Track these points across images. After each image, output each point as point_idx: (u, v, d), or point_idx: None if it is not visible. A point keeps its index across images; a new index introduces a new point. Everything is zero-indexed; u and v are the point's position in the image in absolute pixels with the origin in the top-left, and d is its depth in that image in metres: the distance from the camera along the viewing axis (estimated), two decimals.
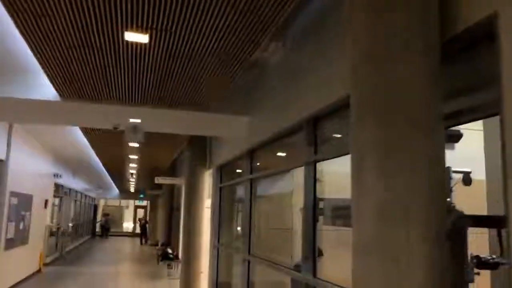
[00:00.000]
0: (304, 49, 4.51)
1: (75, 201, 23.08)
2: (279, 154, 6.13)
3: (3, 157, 9.21)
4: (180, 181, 15.99)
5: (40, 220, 13.14)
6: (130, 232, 36.89)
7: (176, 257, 13.39)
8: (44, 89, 6.10)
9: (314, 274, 4.26)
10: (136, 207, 37.63)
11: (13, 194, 9.85)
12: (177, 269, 13.22)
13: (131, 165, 16.25)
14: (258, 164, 6.74)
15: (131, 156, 13.52)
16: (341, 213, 4.74)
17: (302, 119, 4.50)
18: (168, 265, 13.45)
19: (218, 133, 8.47)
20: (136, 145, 11.20)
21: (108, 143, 11.26)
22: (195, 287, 9.88)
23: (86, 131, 9.74)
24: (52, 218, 16.51)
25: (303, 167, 5.17)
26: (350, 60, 2.61)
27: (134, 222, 37.15)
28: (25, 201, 10.99)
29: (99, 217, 35.15)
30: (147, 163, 15.48)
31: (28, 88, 6.10)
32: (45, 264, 14.15)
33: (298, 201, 7.17)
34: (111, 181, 26.34)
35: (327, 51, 3.96)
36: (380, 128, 2.29)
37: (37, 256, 13.02)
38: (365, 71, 2.43)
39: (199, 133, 9.36)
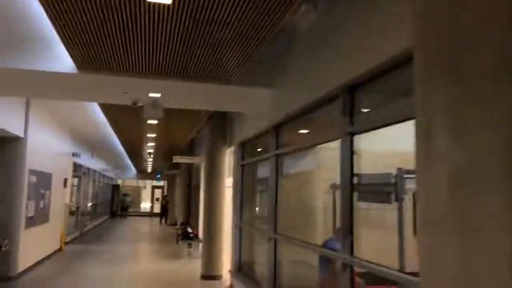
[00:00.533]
0: (339, 9, 4.13)
1: (94, 181, 23.13)
2: (308, 127, 5.80)
3: (21, 134, 9.05)
4: (198, 160, 15.80)
5: (60, 199, 13.09)
6: (148, 212, 37.15)
7: (196, 236, 13.26)
8: (62, 61, 5.83)
9: (351, 252, 3.97)
10: (154, 187, 37.77)
11: (32, 172, 9.73)
12: (197, 249, 13.11)
13: (149, 144, 16.08)
14: (284, 139, 6.43)
15: (149, 135, 13.31)
16: (375, 189, 4.43)
17: (338, 87, 4.15)
18: (188, 244, 13.34)
19: (241, 108, 8.16)
20: (154, 122, 10.96)
21: (126, 121, 11.04)
22: (217, 266, 9.71)
23: (105, 108, 9.51)
24: (71, 197, 16.52)
25: (330, 142, 4.88)
26: (412, 10, 2.26)
27: (152, 202, 37.36)
28: (44, 179, 10.88)
29: (118, 197, 35.34)
30: (165, 141, 15.29)
31: (46, 60, 5.84)
32: (66, 243, 14.17)
33: (324, 177, 6.87)
34: (129, 161, 26.35)
35: (369, 10, 3.59)
36: (454, 86, 1.95)
37: (57, 234, 13.01)
38: (435, 20, 2.07)
39: (221, 108, 9.05)
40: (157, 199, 36.94)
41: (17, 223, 9.00)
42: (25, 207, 9.36)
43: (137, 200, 40.56)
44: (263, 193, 8.42)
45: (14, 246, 8.77)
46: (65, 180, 13.65)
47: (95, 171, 22.64)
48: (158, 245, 16.37)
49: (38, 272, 9.87)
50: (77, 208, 17.90)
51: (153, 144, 16.15)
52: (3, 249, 7.58)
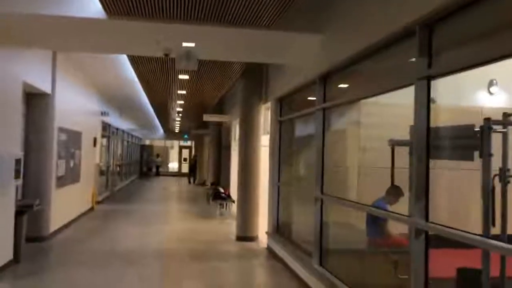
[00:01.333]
0: None
1: (122, 140, 23.02)
2: (364, 76, 5.15)
3: (48, 90, 8.66)
4: (228, 118, 15.33)
5: (90, 158, 12.87)
6: (176, 172, 37.33)
7: (228, 196, 12.93)
8: (89, 4, 5.28)
9: (427, 218, 3.42)
10: (181, 147, 37.73)
11: (61, 130, 9.40)
12: (229, 209, 12.81)
13: (178, 102, 15.59)
14: (333, 90, 5.80)
15: (179, 91, 12.78)
16: (453, 144, 3.81)
17: (412, 23, 3.48)
18: (220, 204, 13.04)
19: (282, 58, 7.50)
20: (185, 77, 10.42)
21: (156, 77, 10.52)
22: (253, 228, 9.35)
23: (134, 63, 8.98)
24: (101, 157, 16.38)
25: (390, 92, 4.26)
26: None
27: (180, 162, 37.44)
28: (74, 138, 10.58)
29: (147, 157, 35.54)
30: (194, 99, 14.77)
31: (71, 4, 5.30)
32: (97, 202, 14.08)
33: (371, 134, 6.26)
34: (157, 121, 26.08)
35: None
36: None
37: (89, 194, 12.87)
38: None
39: (259, 60, 8.40)
40: (185, 159, 37.00)
41: (48, 183, 8.75)
42: (56, 166, 9.09)
43: (165, 160, 40.78)
44: (303, 151, 7.89)
45: (45, 206, 8.55)
46: (95, 139, 13.39)
47: (123, 131, 22.48)
48: (189, 204, 16.19)
49: (70, 232, 9.71)
50: (107, 168, 17.81)
51: (182, 102, 15.67)
52: (35, 209, 7.32)
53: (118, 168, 21.23)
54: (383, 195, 5.32)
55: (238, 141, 9.75)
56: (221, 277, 6.84)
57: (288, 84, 7.51)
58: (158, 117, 22.53)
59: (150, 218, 12.75)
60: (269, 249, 8.32)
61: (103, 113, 14.06)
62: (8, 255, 6.66)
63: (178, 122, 25.70)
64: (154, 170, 35.81)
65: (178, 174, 36.23)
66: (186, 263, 7.36)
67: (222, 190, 13.10)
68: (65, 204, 9.94)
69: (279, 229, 8.23)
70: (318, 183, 5.85)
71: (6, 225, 6.62)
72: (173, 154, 41.72)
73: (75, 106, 10.85)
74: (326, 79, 5.84)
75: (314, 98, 6.08)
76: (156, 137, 37.46)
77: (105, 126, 16.77)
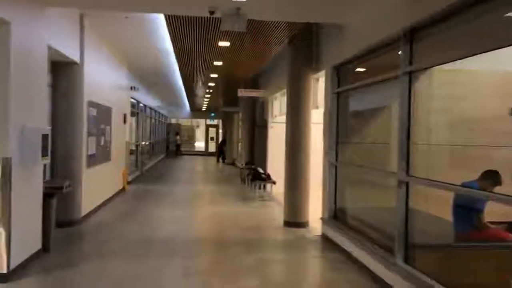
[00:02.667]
0: None
1: (150, 118, 22.26)
2: (472, 27, 4.03)
3: (76, 58, 7.76)
4: (266, 94, 14.30)
5: (120, 136, 12.06)
6: (202, 151, 36.64)
7: (269, 177, 11.98)
8: None
9: None
10: (208, 126, 36.91)
11: (91, 104, 8.53)
12: (270, 191, 11.87)
13: (212, 75, 14.57)
14: (426, 50, 4.70)
15: (216, 62, 11.74)
16: None
17: None
18: (260, 186, 12.12)
19: (345, 16, 6.39)
20: (226, 44, 9.36)
21: (193, 43, 9.50)
22: (303, 212, 8.39)
23: (171, 25, 7.97)
24: (130, 135, 15.63)
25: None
26: None
27: (206, 141, 36.68)
28: (104, 113, 9.73)
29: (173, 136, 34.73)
30: (230, 72, 13.74)
31: None
32: (128, 183, 13.34)
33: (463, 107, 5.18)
34: (185, 98, 25.22)
35: None
36: None
37: (120, 174, 12.09)
38: None
39: (318, 19, 7.31)
40: (212, 138, 36.20)
41: (78, 162, 7.94)
42: (86, 144, 8.25)
43: (192, 140, 40.16)
44: (366, 126, 6.83)
45: (76, 187, 7.75)
46: (125, 116, 12.56)
47: (151, 108, 21.69)
48: (223, 185, 15.32)
49: (102, 215, 8.94)
50: (136, 146, 17.07)
51: (215, 76, 14.65)
52: (65, 191, 6.49)
53: (147, 147, 20.53)
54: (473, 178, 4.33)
55: (286, 116, 8.71)
56: (279, 271, 5.91)
57: (350, 49, 6.42)
58: (187, 93, 21.63)
59: (184, 200, 11.93)
60: (324, 237, 7.36)
61: (133, 88, 13.18)
62: (37, 244, 5.85)
63: (207, 99, 24.81)
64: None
65: (205, 153, 35.51)
66: (234, 253, 6.45)
67: (261, 171, 12.13)
68: (96, 185, 9.15)
69: (337, 215, 7.24)
70: (402, 163, 4.80)
71: (33, 210, 5.80)
72: (200, 133, 41.05)
73: (104, 78, 9.97)
74: (413, 35, 4.74)
75: (383, 64, 4.97)
76: (182, 116, 36.70)
77: (134, 103, 15.97)
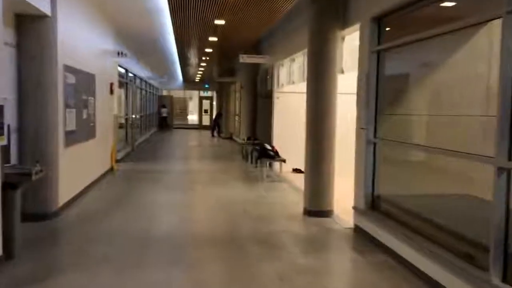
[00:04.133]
0: None
1: (141, 90, 20.59)
2: None
3: (47, 10, 6.15)
4: (271, 60, 12.75)
5: (107, 108, 10.50)
6: (196, 125, 35.06)
7: (277, 154, 10.54)
8: None
9: None
10: (201, 98, 35.19)
11: (68, 69, 6.97)
12: (280, 170, 10.47)
13: (211, 38, 12.88)
14: None
15: (217, 21, 10.09)
16: None
17: None
18: (267, 164, 10.72)
19: None
20: None
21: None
22: (327, 199, 7.00)
23: None
24: (119, 108, 14.06)
25: None
26: None
27: (200, 114, 35.02)
28: (85, 81, 8.16)
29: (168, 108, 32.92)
30: (231, 34, 12.10)
31: None
32: (117, 161, 11.86)
33: None
34: (178, 68, 23.49)
35: None
36: None
37: (107, 152, 10.58)
38: None
39: None
40: (206, 111, 34.54)
41: (53, 140, 6.42)
42: (63, 118, 6.73)
43: (184, 113, 38.52)
44: (423, 94, 5.37)
45: (51, 171, 6.27)
46: (111, 85, 10.96)
47: (141, 78, 20.01)
48: (223, 162, 13.88)
49: (85, 204, 7.49)
50: (126, 120, 15.51)
51: (215, 39, 12.99)
52: (34, 177, 5.02)
53: (137, 121, 18.96)
54: None
55: (307, 83, 7.21)
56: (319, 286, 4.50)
57: None
58: (180, 62, 19.93)
59: (182, 181, 10.51)
60: (359, 231, 5.99)
61: (120, 54, 11.54)
62: None
63: (202, 69, 23.12)
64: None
65: (199, 126, 33.93)
66: (250, 258, 5.05)
67: (269, 147, 10.69)
68: (78, 167, 7.66)
69: (376, 204, 5.85)
70: (503, 143, 3.38)
71: None
72: (193, 105, 39.40)
73: (85, 39, 8.34)
74: None
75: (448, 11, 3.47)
76: (174, 87, 34.87)
77: (122, 73, 14.33)
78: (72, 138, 7.16)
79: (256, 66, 14.88)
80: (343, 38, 7.34)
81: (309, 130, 7.10)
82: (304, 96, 7.27)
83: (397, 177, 5.73)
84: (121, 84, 14.45)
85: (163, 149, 18.19)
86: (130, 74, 16.34)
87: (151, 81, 24.88)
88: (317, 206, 6.99)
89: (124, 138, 15.22)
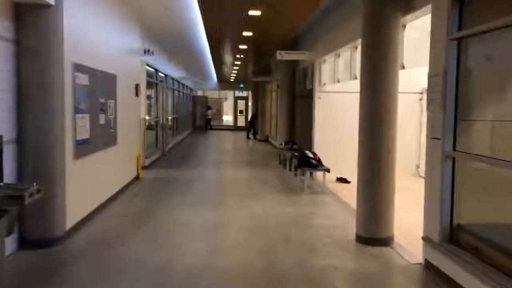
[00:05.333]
0: None
1: (173, 90, 19.74)
2: None
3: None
4: (311, 57, 11.52)
5: (132, 112, 9.54)
6: (231, 126, 34.10)
7: (320, 163, 9.30)
8: None
9: None
10: (237, 98, 34.19)
11: (80, 68, 5.98)
12: (323, 180, 9.22)
13: (246, 33, 11.75)
14: None
15: (252, 12, 8.92)
16: None
17: None
18: (309, 174, 9.50)
19: None
20: None
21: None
22: (387, 224, 5.72)
23: None
24: (148, 110, 13.20)
25: None
26: None
27: (235, 115, 34.03)
28: (104, 82, 7.19)
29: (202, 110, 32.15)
30: (269, 28, 10.95)
31: None
32: (144, 167, 10.93)
33: None
34: (212, 67, 22.57)
35: None
36: None
37: (132, 159, 9.62)
38: None
39: None
40: (241, 112, 33.52)
41: (59, 152, 5.43)
42: (72, 125, 5.75)
43: (219, 114, 37.68)
44: None
45: (55, 189, 5.29)
46: (137, 86, 10.01)
47: (173, 79, 19.14)
48: (259, 169, 12.65)
49: (100, 223, 6.49)
50: (156, 123, 14.62)
51: (250, 34, 11.85)
52: (28, 200, 4.02)
53: (170, 123, 18.11)
54: None
55: (361, 79, 5.94)
56: None
57: None
58: (214, 61, 18.95)
59: (214, 192, 9.44)
60: (432, 269, 4.71)
61: (147, 51, 10.56)
62: None
63: (236, 68, 22.10)
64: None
65: (234, 128, 32.94)
66: None
67: (310, 154, 9.46)
68: (91, 181, 6.67)
69: (455, 236, 4.55)
70: None
71: None
72: (228, 106, 38.50)
73: (102, 34, 7.37)
74: None
75: None
76: (208, 88, 34.05)
77: (151, 72, 13.44)
78: (84, 148, 6.17)
79: (294, 63, 13.66)
80: (404, 26, 6.07)
81: (364, 138, 5.84)
82: (351, 96, 6.05)
83: (487, 201, 4.40)
84: (150, 85, 13.56)
85: (196, 153, 17.22)
86: (161, 74, 15.45)
87: (184, 81, 24.07)
88: (373, 233, 5.72)
89: (154, 143, 14.33)
